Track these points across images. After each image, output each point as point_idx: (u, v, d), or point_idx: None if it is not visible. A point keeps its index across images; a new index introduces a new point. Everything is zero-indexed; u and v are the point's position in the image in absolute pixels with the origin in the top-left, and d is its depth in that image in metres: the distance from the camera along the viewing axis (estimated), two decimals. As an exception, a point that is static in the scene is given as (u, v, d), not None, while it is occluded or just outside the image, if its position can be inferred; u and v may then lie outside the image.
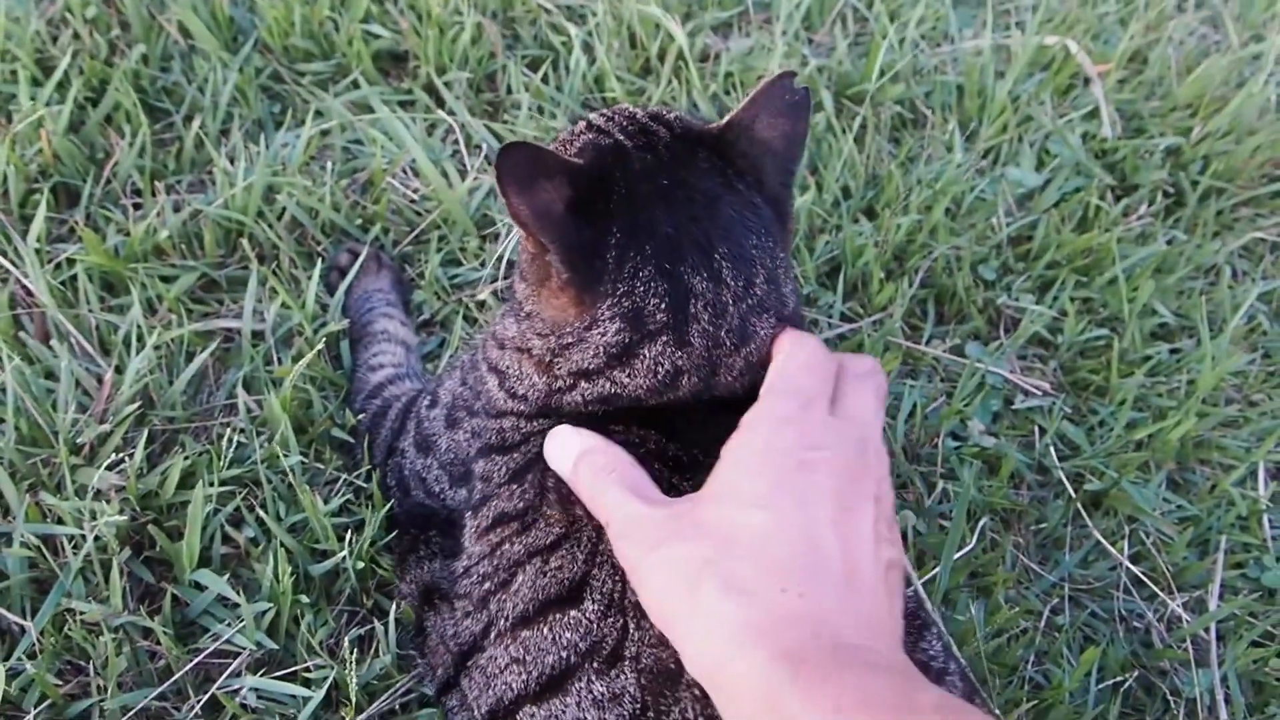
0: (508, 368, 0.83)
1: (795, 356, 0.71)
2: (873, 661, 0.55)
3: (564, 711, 0.69)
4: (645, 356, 0.74)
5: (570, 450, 0.72)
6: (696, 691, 0.65)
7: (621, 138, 0.78)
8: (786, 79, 0.79)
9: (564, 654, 0.71)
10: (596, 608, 0.71)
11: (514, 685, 0.73)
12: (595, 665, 0.69)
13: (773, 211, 0.79)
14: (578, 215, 0.73)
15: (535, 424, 0.81)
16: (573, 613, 0.71)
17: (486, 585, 0.78)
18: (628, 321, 0.74)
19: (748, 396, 0.71)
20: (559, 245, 0.73)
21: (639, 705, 0.67)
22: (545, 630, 0.72)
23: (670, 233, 0.73)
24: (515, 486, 0.79)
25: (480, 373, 0.87)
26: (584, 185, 0.73)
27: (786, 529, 0.60)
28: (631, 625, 0.69)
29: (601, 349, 0.75)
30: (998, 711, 0.96)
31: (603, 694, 0.68)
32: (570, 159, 0.74)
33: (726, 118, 0.80)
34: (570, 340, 0.77)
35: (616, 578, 0.71)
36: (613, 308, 0.74)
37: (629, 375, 0.75)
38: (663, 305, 0.73)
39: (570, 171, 0.72)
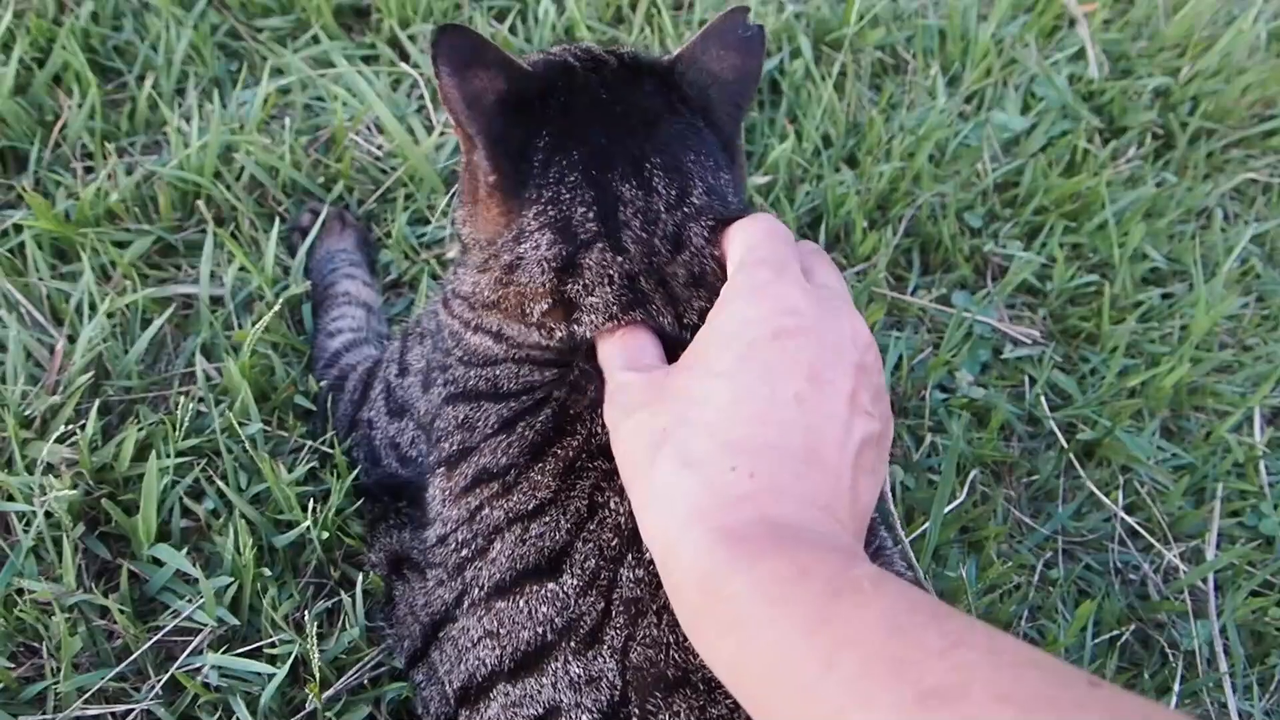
0: (481, 321, 0.79)
1: (755, 231, 0.68)
2: (813, 541, 0.53)
3: (539, 692, 0.66)
4: (589, 265, 0.71)
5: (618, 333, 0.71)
6: (693, 701, 0.62)
7: (571, 60, 0.77)
8: (739, 13, 0.78)
9: (539, 630, 0.67)
10: (575, 583, 0.67)
11: (487, 661, 0.70)
12: (572, 645, 0.66)
13: (718, 139, 0.76)
14: (509, 112, 0.72)
15: (544, 373, 0.76)
16: (550, 585, 0.68)
17: (464, 552, 0.74)
18: (557, 232, 0.71)
19: None
20: (484, 137, 0.72)
21: (618, 693, 0.63)
22: (521, 603, 0.69)
23: (602, 143, 0.72)
24: (503, 438, 0.74)
25: (451, 332, 0.82)
26: (520, 84, 0.72)
27: (747, 402, 0.58)
28: (620, 617, 0.66)
29: (544, 264, 0.72)
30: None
31: (579, 676, 0.65)
32: (513, 57, 0.73)
33: (677, 50, 0.79)
34: (509, 258, 0.73)
35: (600, 557, 0.67)
36: (539, 216, 0.71)
37: (585, 289, 0.71)
38: (590, 214, 0.71)
39: (509, 67, 0.72)
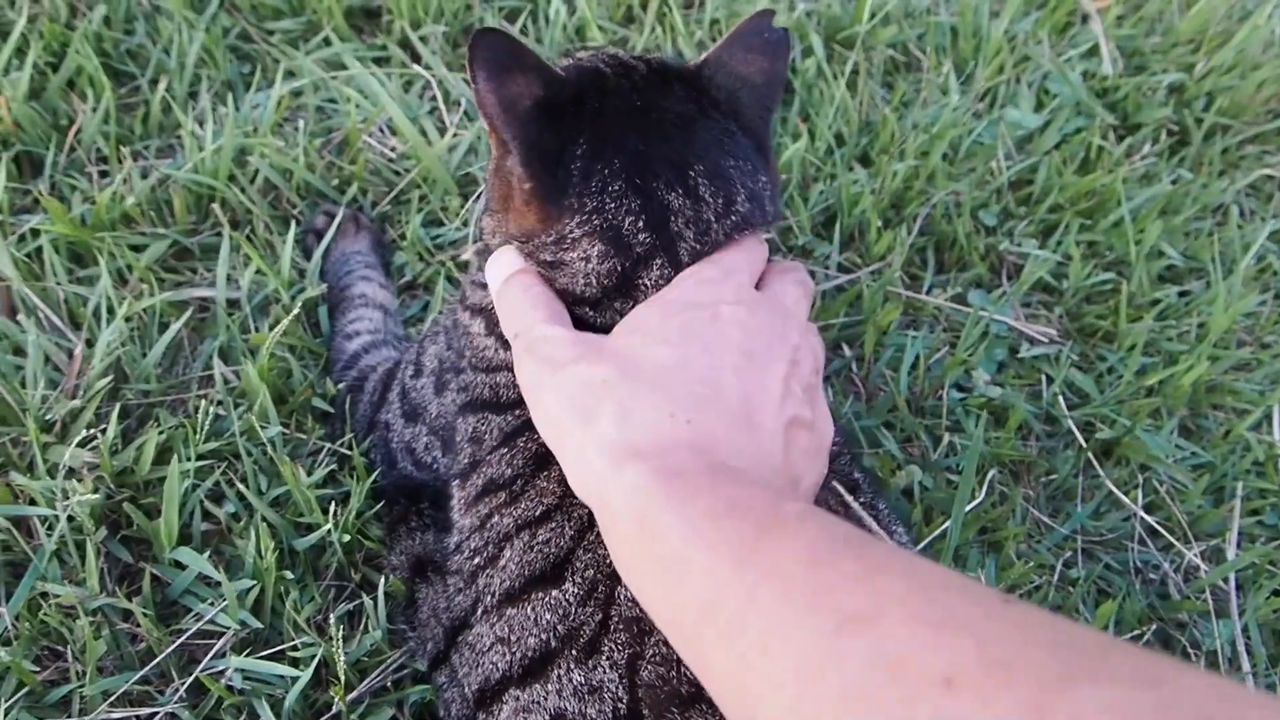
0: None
1: (732, 246, 0.72)
2: (745, 480, 0.55)
3: (545, 698, 0.66)
4: (646, 285, 0.70)
5: (505, 269, 0.73)
6: (710, 716, 0.62)
7: (601, 66, 0.76)
8: (764, 17, 0.78)
9: (544, 636, 0.67)
10: (576, 591, 0.67)
11: (499, 666, 0.70)
12: (574, 653, 0.66)
13: (751, 142, 0.76)
14: (545, 118, 0.71)
15: None
16: (554, 593, 0.68)
17: (477, 560, 0.75)
18: (609, 243, 0.70)
19: None
20: (520, 143, 0.70)
21: (624, 705, 0.63)
22: (528, 610, 0.69)
23: (640, 149, 0.71)
24: (505, 451, 0.75)
25: (463, 328, 0.83)
26: (556, 90, 0.71)
27: (688, 365, 0.61)
28: (622, 633, 0.65)
29: (593, 278, 0.71)
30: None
31: (581, 684, 0.65)
32: (547, 63, 0.72)
33: (703, 55, 0.79)
34: (548, 258, 0.73)
35: (599, 568, 0.67)
36: (583, 225, 0.70)
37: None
38: (640, 223, 0.70)
39: (545, 72, 0.71)
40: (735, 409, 0.60)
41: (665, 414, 0.58)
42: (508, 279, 0.72)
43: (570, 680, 0.65)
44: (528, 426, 0.74)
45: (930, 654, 0.40)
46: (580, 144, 0.71)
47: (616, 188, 0.70)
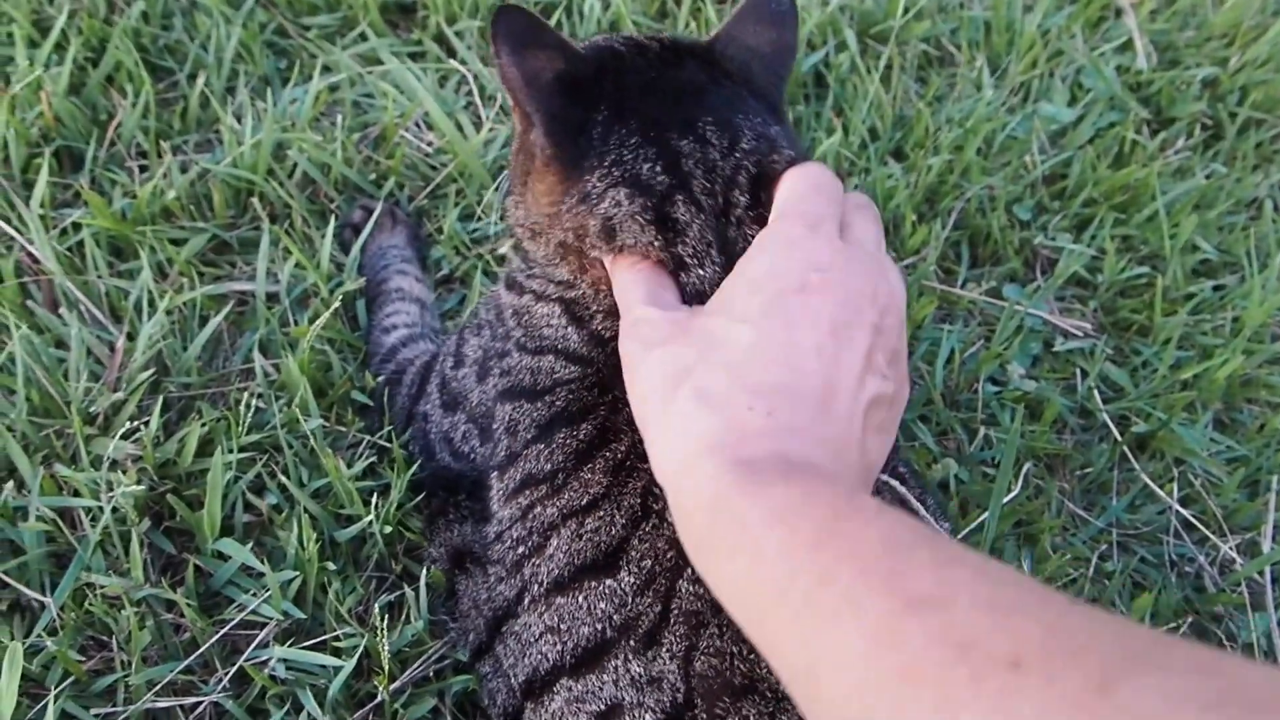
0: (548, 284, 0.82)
1: (801, 181, 0.70)
2: (821, 475, 0.55)
3: (600, 689, 0.67)
4: (680, 220, 0.72)
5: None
6: (761, 708, 0.63)
7: (618, 45, 0.79)
8: None
9: (599, 626, 0.68)
10: (633, 581, 0.68)
11: (549, 655, 0.70)
12: (631, 644, 0.66)
13: (764, 105, 0.78)
14: (567, 91, 0.74)
15: (572, 369, 0.77)
16: (609, 582, 0.69)
17: (520, 550, 0.75)
18: (631, 186, 0.72)
19: None
20: (543, 114, 0.73)
21: (681, 695, 0.64)
22: (580, 599, 0.69)
23: (657, 114, 0.74)
24: (544, 447, 0.76)
25: (509, 312, 0.85)
26: (576, 64, 0.74)
27: (769, 348, 0.60)
28: (680, 626, 0.66)
29: (638, 219, 0.72)
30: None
31: (640, 675, 0.65)
32: (567, 40, 0.75)
33: (714, 31, 0.82)
34: (578, 223, 0.75)
35: (658, 559, 0.68)
36: (605, 178, 0.73)
37: (681, 245, 0.73)
38: (658, 167, 0.72)
39: (566, 48, 0.74)
40: (814, 396, 0.59)
41: (743, 406, 0.57)
42: (613, 262, 0.73)
43: (629, 671, 0.66)
44: (561, 420, 0.75)
45: (999, 636, 0.41)
46: (601, 112, 0.74)
47: (633, 142, 0.73)
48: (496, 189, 1.22)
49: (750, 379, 0.59)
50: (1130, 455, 1.13)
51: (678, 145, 0.73)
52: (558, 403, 0.76)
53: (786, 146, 0.76)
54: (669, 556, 0.68)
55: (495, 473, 0.80)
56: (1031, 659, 0.39)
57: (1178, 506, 1.09)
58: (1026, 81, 1.44)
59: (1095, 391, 1.16)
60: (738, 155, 0.73)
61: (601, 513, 0.71)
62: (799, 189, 0.69)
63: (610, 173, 0.73)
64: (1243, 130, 1.46)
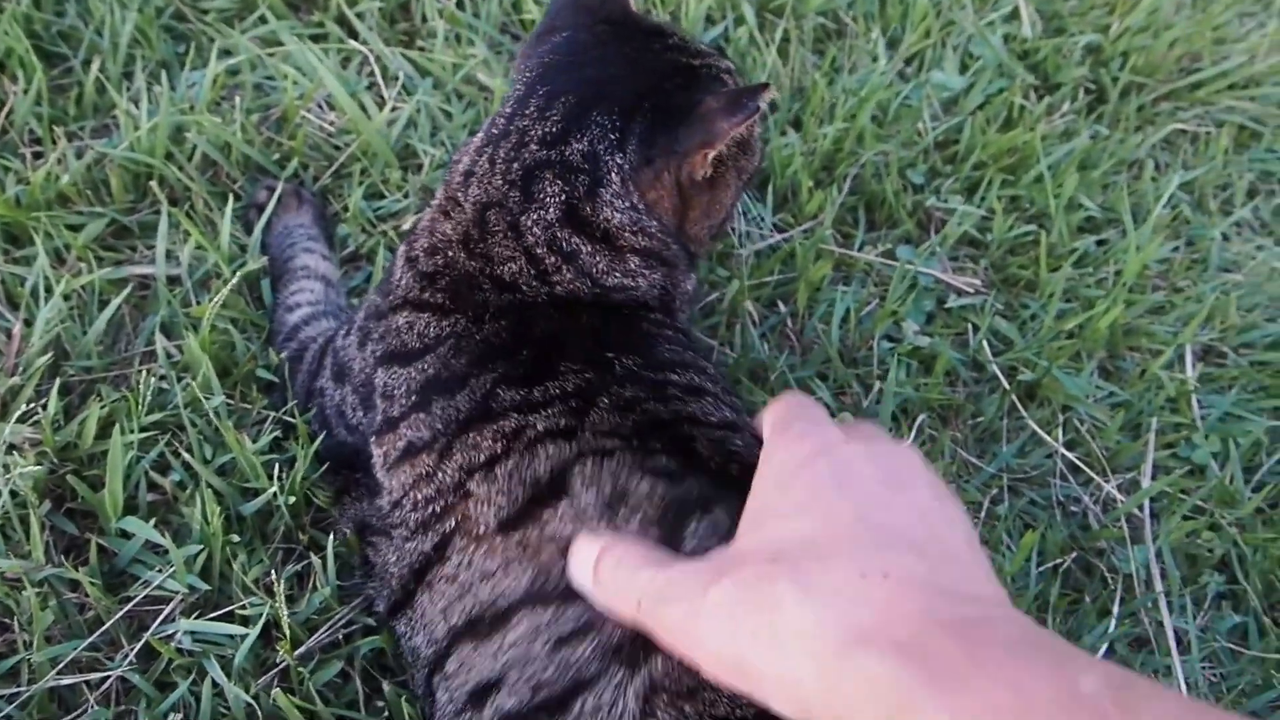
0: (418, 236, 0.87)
1: (782, 407, 0.63)
2: (1008, 639, 0.46)
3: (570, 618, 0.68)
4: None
5: (589, 554, 0.62)
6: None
7: None
8: None
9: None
10: (589, 495, 0.70)
11: (509, 591, 0.71)
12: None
13: None
14: None
15: (442, 323, 0.79)
16: (562, 504, 0.70)
17: (430, 509, 0.77)
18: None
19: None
20: None
21: None
22: (535, 532, 0.71)
23: None
24: (421, 415, 0.78)
25: (389, 267, 0.87)
26: None
27: (837, 518, 0.52)
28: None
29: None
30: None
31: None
32: None
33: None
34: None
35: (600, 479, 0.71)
36: None
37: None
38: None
39: None
40: (911, 538, 0.51)
41: (856, 575, 0.49)
42: (597, 563, 0.61)
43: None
44: (436, 386, 0.78)
45: None
46: None
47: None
48: (425, 170, 1.24)
49: (839, 552, 0.51)
50: (1019, 404, 1.17)
51: None
52: (434, 364, 0.79)
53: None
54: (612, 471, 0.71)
55: (374, 438, 0.82)
56: None
57: (1064, 450, 1.15)
58: (919, 51, 1.49)
59: (985, 344, 1.21)
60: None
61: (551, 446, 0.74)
62: (784, 413, 0.62)
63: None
64: (1124, 94, 1.51)
